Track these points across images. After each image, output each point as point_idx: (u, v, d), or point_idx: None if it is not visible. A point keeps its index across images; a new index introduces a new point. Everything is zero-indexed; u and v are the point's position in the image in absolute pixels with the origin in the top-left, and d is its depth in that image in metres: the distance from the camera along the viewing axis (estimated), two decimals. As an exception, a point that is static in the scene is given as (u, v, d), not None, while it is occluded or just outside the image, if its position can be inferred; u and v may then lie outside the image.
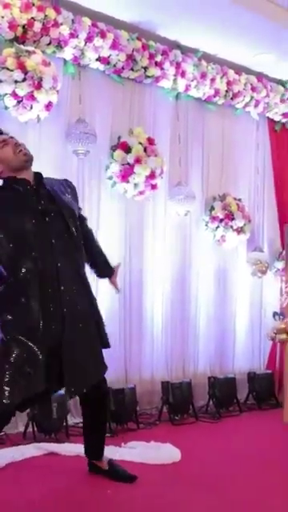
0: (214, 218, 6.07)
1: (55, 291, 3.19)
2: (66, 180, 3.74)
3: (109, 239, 5.26)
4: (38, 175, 3.51)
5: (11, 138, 3.50)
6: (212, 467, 4.08)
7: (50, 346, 3.15)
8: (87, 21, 5.05)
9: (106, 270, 3.78)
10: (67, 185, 3.67)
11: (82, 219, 3.68)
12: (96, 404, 3.66)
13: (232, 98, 6.29)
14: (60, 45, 4.96)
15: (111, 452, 4.22)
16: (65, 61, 5.17)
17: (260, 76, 6.51)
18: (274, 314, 6.01)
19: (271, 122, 6.92)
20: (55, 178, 3.67)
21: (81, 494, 3.52)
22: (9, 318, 3.14)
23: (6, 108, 4.68)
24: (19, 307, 3.12)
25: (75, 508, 3.30)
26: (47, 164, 5.05)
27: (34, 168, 4.95)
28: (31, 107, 4.68)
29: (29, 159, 3.45)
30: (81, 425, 4.90)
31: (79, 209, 3.67)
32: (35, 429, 4.62)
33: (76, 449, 4.30)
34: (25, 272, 3.13)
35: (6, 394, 3.02)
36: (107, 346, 3.52)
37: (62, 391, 3.54)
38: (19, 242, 3.18)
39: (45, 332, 3.12)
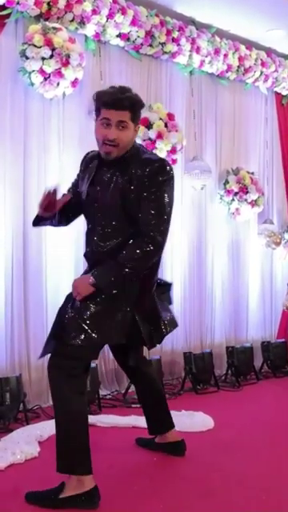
0: (228, 192, 6.19)
1: None
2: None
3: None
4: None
5: (119, 124, 3.05)
6: (245, 433, 4.24)
7: None
8: (108, -4, 5.09)
9: None
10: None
11: None
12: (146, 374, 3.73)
13: (243, 74, 6.38)
14: (83, 21, 5.00)
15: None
16: (86, 37, 5.21)
17: (269, 51, 6.61)
18: (288, 284, 6.16)
19: (279, 96, 7.03)
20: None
21: (126, 462, 3.64)
22: None
23: (32, 85, 4.72)
24: None
25: (124, 475, 3.41)
26: (70, 140, 5.13)
27: (58, 143, 5.06)
28: (58, 84, 4.72)
29: (109, 157, 3.11)
30: (109, 396, 5.10)
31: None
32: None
33: (111, 420, 4.45)
34: None
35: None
36: None
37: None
38: None
39: None
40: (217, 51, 5.99)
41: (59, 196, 3.19)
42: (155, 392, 3.74)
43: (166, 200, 3.02)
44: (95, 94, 3.14)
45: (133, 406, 4.85)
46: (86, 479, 2.89)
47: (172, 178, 3.09)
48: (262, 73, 6.53)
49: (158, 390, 3.78)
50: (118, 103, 3.00)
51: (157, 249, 3.02)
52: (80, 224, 5.10)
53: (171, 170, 3.10)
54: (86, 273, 3.23)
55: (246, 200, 6.21)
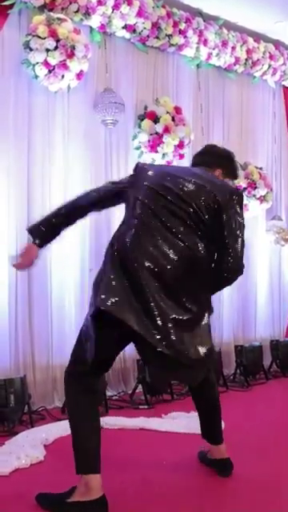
0: (237, 187, 6.05)
1: None
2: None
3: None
4: None
5: None
6: (254, 434, 4.11)
7: None
8: (114, -13, 4.98)
9: None
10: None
11: None
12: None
13: (251, 67, 6.26)
14: (88, 12, 4.88)
15: (157, 424, 4.28)
16: (91, 29, 5.09)
17: (277, 44, 6.50)
18: (298, 281, 6.05)
19: (287, 89, 6.93)
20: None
21: (135, 466, 3.53)
22: None
23: (36, 77, 4.60)
24: None
25: (133, 479, 3.29)
26: (75, 134, 5.02)
27: (62, 137, 4.95)
28: (62, 76, 4.60)
29: None
30: (116, 398, 5.00)
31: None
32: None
33: (118, 421, 4.31)
34: None
35: None
36: None
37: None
38: None
39: None
40: (224, 43, 5.88)
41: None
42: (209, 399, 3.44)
43: None
44: (235, 162, 3.35)
45: (140, 407, 4.75)
46: (92, 483, 2.76)
47: None
48: (270, 66, 6.42)
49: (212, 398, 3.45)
50: None
51: None
52: (85, 218, 5.03)
53: None
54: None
55: (254, 196, 6.09)
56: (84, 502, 2.74)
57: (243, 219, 2.92)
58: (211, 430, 3.41)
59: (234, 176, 3.31)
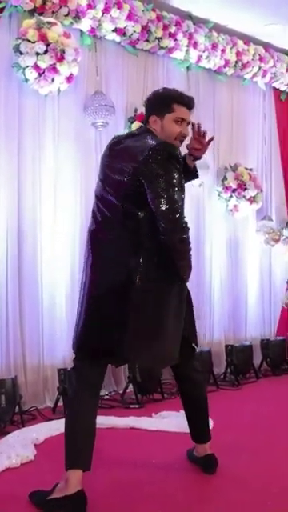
0: (226, 188, 6.13)
1: None
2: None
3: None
4: None
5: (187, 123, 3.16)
6: (245, 432, 4.16)
7: None
8: (104, -9, 5.01)
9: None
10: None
11: None
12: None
13: (241, 69, 6.31)
14: (78, 16, 4.92)
15: (147, 424, 4.32)
16: (81, 32, 5.13)
17: (267, 46, 6.54)
18: (288, 281, 6.10)
19: (277, 91, 6.97)
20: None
21: (124, 464, 3.56)
22: None
23: (27, 81, 4.64)
24: None
25: (121, 477, 3.33)
26: (66, 136, 5.06)
27: (53, 139, 4.99)
28: (52, 80, 4.64)
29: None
30: (107, 397, 5.03)
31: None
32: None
33: (108, 421, 4.33)
34: None
35: None
36: None
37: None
38: None
39: None
40: (214, 46, 5.92)
41: None
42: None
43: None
44: (164, 90, 3.28)
45: (131, 406, 4.80)
46: (72, 478, 2.80)
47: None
48: (260, 68, 6.46)
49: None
50: (192, 104, 3.19)
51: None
52: (76, 220, 5.09)
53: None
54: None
55: (244, 197, 6.15)
56: (59, 497, 2.79)
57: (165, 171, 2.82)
58: (199, 429, 3.45)
59: (167, 105, 3.10)
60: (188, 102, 3.16)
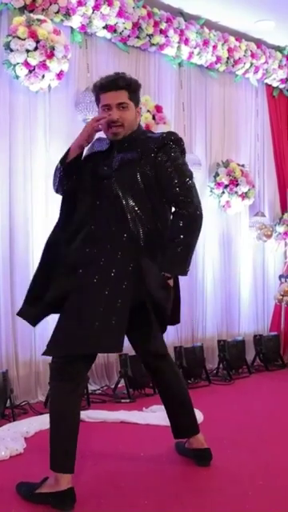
0: (218, 184, 6.15)
1: None
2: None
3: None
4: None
5: (119, 105, 3.05)
6: (237, 427, 4.17)
7: None
8: (94, -12, 5.03)
9: None
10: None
11: None
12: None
13: (233, 65, 6.33)
14: (68, 13, 4.94)
15: (137, 417, 4.35)
16: (72, 29, 5.15)
17: (259, 43, 6.56)
18: (280, 276, 6.12)
19: (269, 87, 6.98)
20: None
21: (113, 457, 3.58)
22: None
23: (17, 77, 4.66)
24: None
25: (109, 471, 3.36)
26: (57, 133, 5.08)
27: (44, 136, 5.00)
28: (43, 76, 4.67)
29: (118, 137, 3.15)
30: (98, 392, 5.06)
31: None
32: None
33: (99, 415, 4.39)
34: None
35: None
36: None
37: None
38: None
39: None
40: (206, 43, 5.94)
41: None
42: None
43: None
44: (93, 85, 3.17)
45: (122, 401, 4.83)
46: (62, 478, 2.83)
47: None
48: (252, 64, 6.48)
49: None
50: (112, 84, 3.02)
51: (193, 209, 3.01)
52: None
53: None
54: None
55: (236, 192, 6.17)
56: (50, 492, 2.82)
57: None
58: (185, 422, 3.43)
59: (96, 98, 3.13)
60: (106, 85, 3.03)
